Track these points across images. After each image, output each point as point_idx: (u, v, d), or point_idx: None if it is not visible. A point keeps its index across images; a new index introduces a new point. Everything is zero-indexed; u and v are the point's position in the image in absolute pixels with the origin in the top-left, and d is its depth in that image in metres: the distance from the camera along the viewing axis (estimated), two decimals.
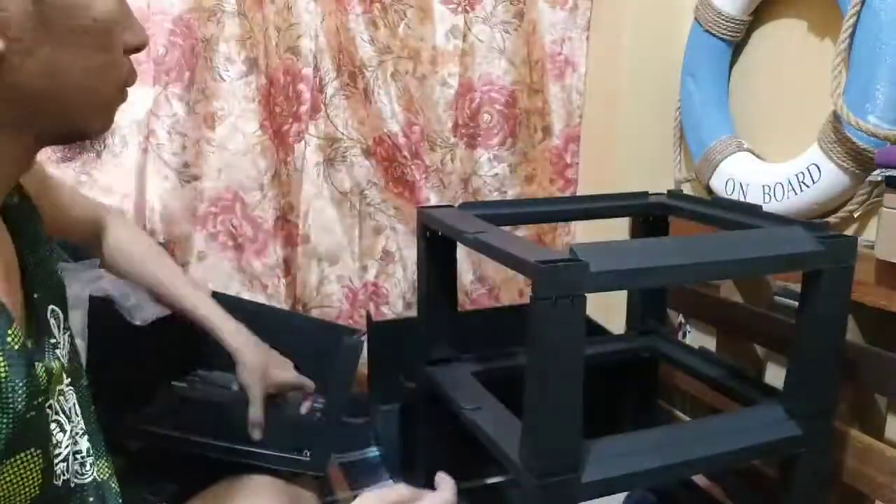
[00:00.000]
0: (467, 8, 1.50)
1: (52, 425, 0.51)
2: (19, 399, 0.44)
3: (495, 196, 1.59)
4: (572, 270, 0.69)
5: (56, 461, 0.51)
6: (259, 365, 0.95)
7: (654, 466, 0.79)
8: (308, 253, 1.50)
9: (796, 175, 1.11)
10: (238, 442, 0.93)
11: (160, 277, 0.97)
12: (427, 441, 1.10)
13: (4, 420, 0.43)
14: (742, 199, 1.21)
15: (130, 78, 0.56)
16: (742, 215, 0.99)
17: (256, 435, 0.94)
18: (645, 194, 1.17)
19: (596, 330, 1.36)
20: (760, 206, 1.01)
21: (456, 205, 1.08)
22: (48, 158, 0.59)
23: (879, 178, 1.01)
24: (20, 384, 0.45)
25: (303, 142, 1.45)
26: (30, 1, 0.45)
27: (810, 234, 0.83)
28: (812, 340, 0.86)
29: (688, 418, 1.31)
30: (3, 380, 0.43)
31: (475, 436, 0.88)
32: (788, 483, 0.90)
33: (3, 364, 0.43)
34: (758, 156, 1.27)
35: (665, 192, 1.18)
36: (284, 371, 1.00)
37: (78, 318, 0.92)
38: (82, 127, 0.54)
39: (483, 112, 1.55)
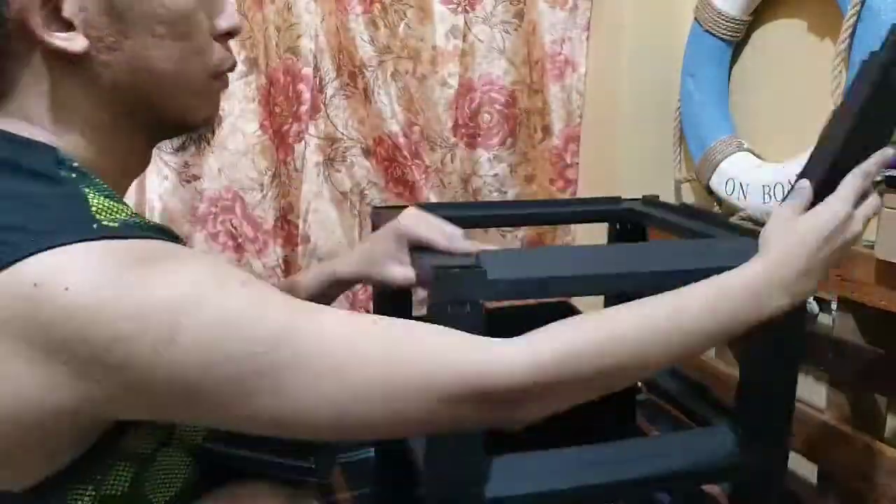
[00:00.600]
0: (467, 8, 1.50)
1: None
2: None
3: (495, 196, 1.59)
4: (469, 277, 0.65)
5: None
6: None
7: (569, 486, 0.73)
8: (308, 253, 1.50)
9: (796, 175, 1.11)
10: (240, 448, 0.92)
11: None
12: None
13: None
14: (742, 200, 1.21)
15: (225, 63, 0.57)
16: (704, 224, 0.94)
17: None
18: (618, 199, 1.13)
19: None
20: (728, 216, 0.98)
21: (412, 205, 0.98)
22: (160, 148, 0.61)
23: (879, 178, 1.01)
24: None
25: (303, 142, 1.45)
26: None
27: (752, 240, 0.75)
28: (764, 361, 0.79)
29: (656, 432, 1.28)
30: None
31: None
32: None
33: None
34: (758, 156, 1.27)
35: (640, 197, 1.14)
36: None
37: None
38: (184, 117, 0.56)
39: (483, 112, 1.55)
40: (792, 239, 0.63)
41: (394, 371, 0.49)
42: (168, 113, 0.55)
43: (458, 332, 0.53)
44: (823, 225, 0.64)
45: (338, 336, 0.48)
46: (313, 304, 0.51)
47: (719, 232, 0.90)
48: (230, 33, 0.57)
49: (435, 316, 0.65)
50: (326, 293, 0.86)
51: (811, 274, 0.63)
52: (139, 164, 0.58)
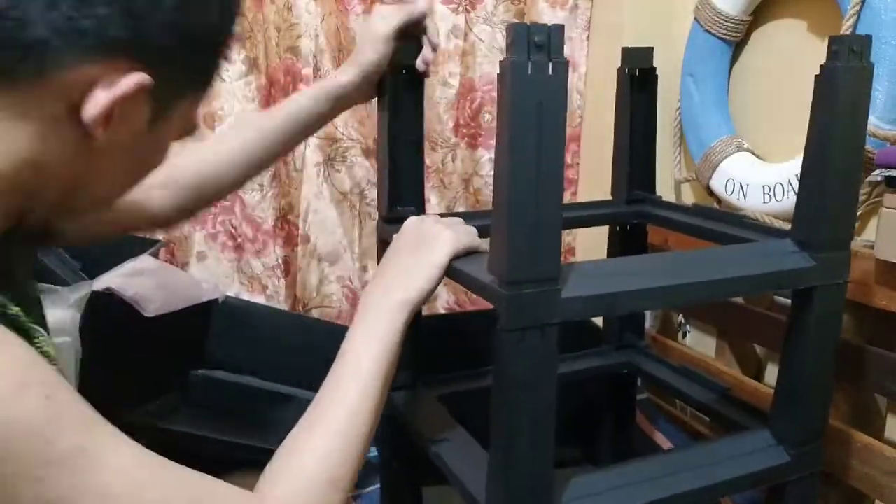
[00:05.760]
0: (468, 8, 1.50)
1: None
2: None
3: None
4: (543, 299, 0.63)
5: None
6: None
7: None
8: (308, 253, 1.50)
9: (796, 175, 1.11)
10: (244, 439, 0.93)
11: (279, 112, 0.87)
12: (387, 464, 1.01)
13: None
14: (742, 200, 1.21)
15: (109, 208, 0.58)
16: (728, 226, 0.94)
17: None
18: (609, 201, 1.12)
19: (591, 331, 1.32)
20: (743, 215, 0.98)
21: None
22: None
23: (879, 179, 1.01)
24: None
25: (303, 142, 1.45)
26: (147, 123, 0.48)
27: (800, 249, 0.78)
28: (801, 364, 0.80)
29: (666, 441, 1.28)
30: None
31: (442, 472, 0.81)
32: None
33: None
34: (758, 156, 1.27)
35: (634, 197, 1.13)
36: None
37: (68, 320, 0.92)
38: (58, 223, 0.54)
39: (484, 112, 1.55)
40: (393, 242, 0.75)
41: None
42: (57, 215, 0.52)
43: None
44: (411, 223, 0.75)
45: (134, 471, 0.46)
46: (116, 430, 0.47)
47: (747, 233, 0.90)
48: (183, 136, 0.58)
49: (505, 342, 0.63)
50: (320, 116, 0.87)
51: (411, 264, 0.70)
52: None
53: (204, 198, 0.82)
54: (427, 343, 0.94)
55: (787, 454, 0.82)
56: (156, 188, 0.77)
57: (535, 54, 0.59)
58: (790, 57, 1.23)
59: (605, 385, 1.19)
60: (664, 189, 1.20)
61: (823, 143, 0.76)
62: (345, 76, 0.85)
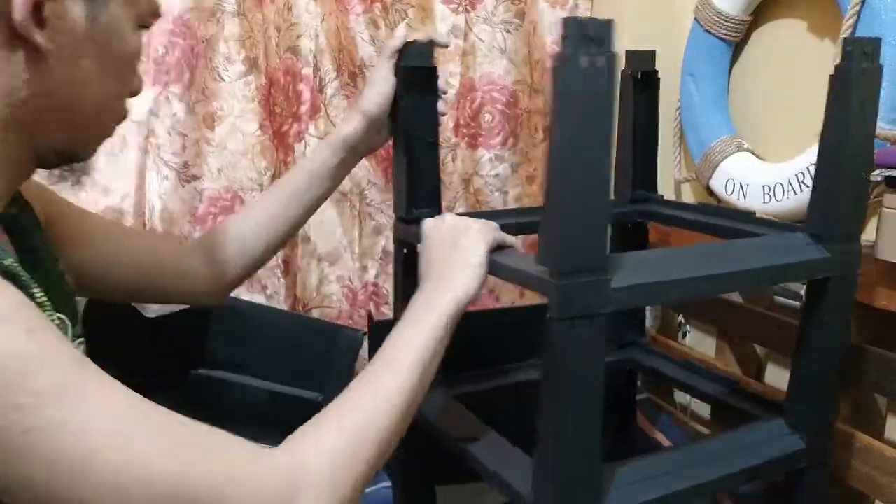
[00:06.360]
0: (468, 7, 1.50)
1: None
2: None
3: (496, 196, 1.59)
4: (593, 288, 0.65)
5: None
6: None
7: (674, 491, 0.76)
8: (308, 253, 1.50)
9: (796, 175, 1.11)
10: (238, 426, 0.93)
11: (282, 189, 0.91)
12: (402, 463, 1.02)
13: None
14: (742, 200, 1.21)
15: (124, 117, 0.59)
16: (735, 223, 0.97)
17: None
18: (612, 201, 1.13)
19: None
20: (753, 212, 1.01)
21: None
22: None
23: (879, 179, 1.01)
24: None
25: (303, 142, 1.45)
26: (85, 19, 0.49)
27: (815, 241, 0.81)
28: (815, 352, 0.84)
29: (666, 440, 1.29)
30: None
31: (472, 469, 0.82)
32: (792, 498, 0.88)
33: None
34: (758, 156, 1.27)
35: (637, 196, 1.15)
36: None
37: None
38: (78, 146, 0.56)
39: (484, 112, 1.55)
40: (425, 248, 0.74)
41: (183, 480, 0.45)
42: (69, 136, 0.54)
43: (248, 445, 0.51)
44: (434, 224, 0.75)
45: (121, 412, 0.45)
46: (104, 373, 0.46)
47: (760, 229, 0.93)
48: (134, 93, 0.59)
49: (556, 331, 0.65)
50: (335, 169, 0.89)
51: (455, 265, 0.70)
52: (19, 176, 0.55)
53: (247, 268, 0.85)
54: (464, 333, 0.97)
55: (803, 441, 0.85)
56: (201, 269, 0.80)
57: (588, 48, 0.61)
58: (790, 57, 1.23)
59: (606, 382, 1.19)
60: (665, 189, 1.20)
61: (837, 140, 0.79)
62: (349, 124, 0.88)
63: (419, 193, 0.94)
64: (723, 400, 1.03)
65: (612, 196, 1.14)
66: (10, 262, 0.48)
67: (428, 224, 0.76)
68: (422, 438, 0.91)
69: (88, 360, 0.46)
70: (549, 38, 1.56)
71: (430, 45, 0.88)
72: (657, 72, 1.11)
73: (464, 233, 0.72)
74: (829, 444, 0.88)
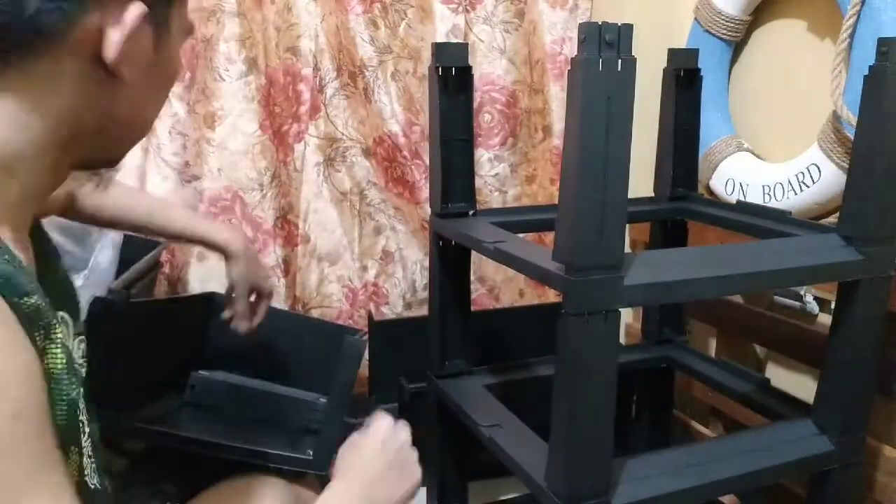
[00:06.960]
0: (468, 8, 1.50)
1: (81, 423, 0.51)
2: (73, 389, 0.47)
3: (496, 196, 1.59)
4: (607, 285, 0.66)
5: (84, 461, 0.51)
6: (246, 258, 0.98)
7: (686, 486, 0.77)
8: (308, 253, 1.50)
9: (796, 175, 1.11)
10: (241, 441, 0.93)
11: (153, 206, 0.99)
12: (438, 457, 1.07)
13: (62, 408, 0.46)
14: (742, 200, 1.21)
15: None
16: (772, 223, 0.97)
17: (243, 327, 0.99)
18: (652, 198, 1.15)
19: None
20: (789, 212, 1.01)
21: (470, 212, 1.03)
22: None
23: None
24: (73, 378, 0.47)
25: (303, 142, 1.45)
26: (153, 47, 0.50)
27: (847, 244, 0.81)
28: (846, 353, 0.83)
29: (705, 430, 1.29)
30: (61, 371, 0.45)
31: (494, 455, 0.85)
32: (819, 500, 0.88)
33: (61, 356, 0.45)
34: (758, 156, 1.27)
35: (684, 195, 1.17)
36: (264, 272, 1.05)
37: None
38: (118, 155, 0.57)
39: (484, 112, 1.55)
40: (354, 456, 0.69)
41: None
42: (113, 148, 0.56)
43: None
44: (374, 435, 0.69)
45: None
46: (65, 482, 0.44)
47: (791, 229, 0.94)
48: None
49: (570, 326, 0.66)
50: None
51: (384, 478, 0.67)
52: (53, 187, 0.54)
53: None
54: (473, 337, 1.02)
55: (831, 443, 0.85)
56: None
57: (606, 51, 0.63)
58: (790, 57, 1.23)
59: (645, 378, 1.25)
60: (664, 189, 1.20)
61: (871, 140, 0.78)
62: (225, 246, 0.96)
63: (454, 189, 0.97)
64: (753, 398, 1.03)
65: (652, 193, 1.18)
66: (34, 300, 0.45)
67: (379, 429, 0.70)
68: (454, 434, 0.94)
69: (60, 466, 0.44)
70: (549, 38, 1.56)
71: (465, 46, 0.90)
72: (700, 69, 1.12)
73: (413, 473, 0.70)
74: (861, 447, 0.87)
